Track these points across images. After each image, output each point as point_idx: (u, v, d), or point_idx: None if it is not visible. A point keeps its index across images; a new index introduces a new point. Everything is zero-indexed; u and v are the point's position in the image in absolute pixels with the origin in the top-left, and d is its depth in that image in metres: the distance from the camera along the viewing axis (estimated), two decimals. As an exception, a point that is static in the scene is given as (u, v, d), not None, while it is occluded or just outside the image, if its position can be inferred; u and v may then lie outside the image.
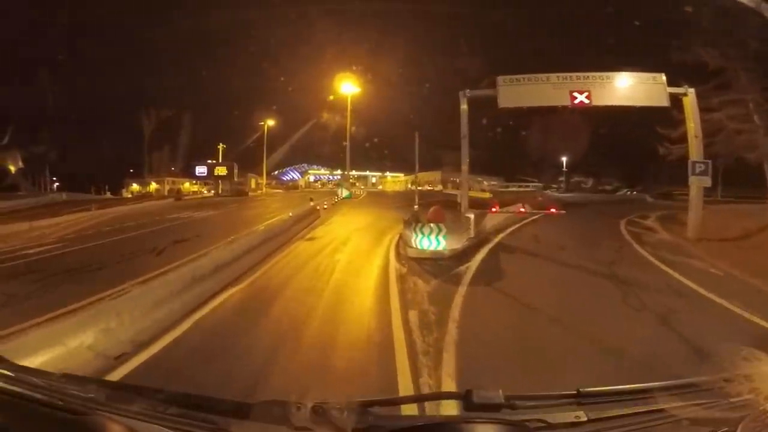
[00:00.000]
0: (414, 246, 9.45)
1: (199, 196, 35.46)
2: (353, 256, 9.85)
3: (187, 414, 1.12)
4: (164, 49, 40.85)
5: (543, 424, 1.09)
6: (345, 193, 31.79)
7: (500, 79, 13.07)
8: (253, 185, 38.81)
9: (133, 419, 1.09)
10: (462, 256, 9.51)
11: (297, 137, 43.19)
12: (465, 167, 12.62)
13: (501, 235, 12.54)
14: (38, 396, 1.19)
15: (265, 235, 10.56)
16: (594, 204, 23.72)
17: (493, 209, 12.28)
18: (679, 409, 1.12)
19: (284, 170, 59.97)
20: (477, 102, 13.43)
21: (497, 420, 1.08)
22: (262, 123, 41.81)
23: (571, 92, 12.68)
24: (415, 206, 13.07)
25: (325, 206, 21.14)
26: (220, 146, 36.50)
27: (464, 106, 13.04)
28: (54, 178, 45.96)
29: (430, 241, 9.30)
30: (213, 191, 35.71)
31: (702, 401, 1.14)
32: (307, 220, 15.33)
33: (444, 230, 9.36)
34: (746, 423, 1.00)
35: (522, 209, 13.04)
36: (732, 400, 1.13)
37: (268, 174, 52.36)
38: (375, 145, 51.58)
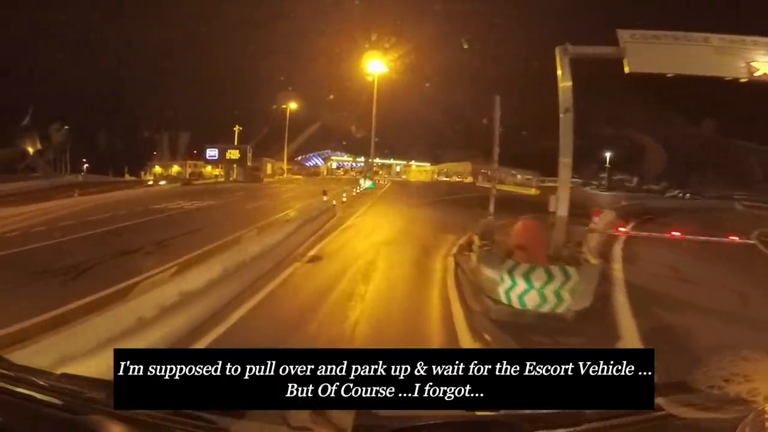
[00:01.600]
0: (505, 300, 4.69)
1: (212, 181, 31.21)
2: (384, 309, 5.12)
3: (186, 414, 1.05)
4: (189, 27, 36.77)
5: (543, 424, 1.06)
6: (368, 183, 27.06)
7: (625, 33, 7.91)
8: (269, 170, 34.35)
9: (133, 419, 1.06)
10: (596, 321, 4.68)
11: (320, 123, 38.54)
12: (567, 161, 7.45)
13: (617, 266, 7.52)
14: (38, 396, 1.16)
15: (248, 250, 6.07)
16: (672, 211, 17.66)
17: (621, 228, 7.26)
18: (679, 409, 1.08)
19: (308, 156, 55.71)
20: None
21: (498, 420, 1.08)
22: (285, 106, 37.40)
23: (748, 62, 7.64)
24: (490, 216, 7.98)
25: (344, 199, 16.50)
26: (236, 128, 31.95)
27: (565, 74, 7.96)
28: (84, 160, 44.48)
29: (543, 297, 4.50)
30: (224, 176, 31.38)
31: (702, 401, 1.11)
32: (318, 221, 10.68)
33: (574, 279, 4.52)
34: (746, 423, 0.98)
35: (676, 232, 7.90)
36: (732, 400, 1.10)
37: (292, 159, 48.30)
38: (401, 132, 46.63)
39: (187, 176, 39.78)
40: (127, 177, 41.65)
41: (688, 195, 42.93)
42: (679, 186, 45.62)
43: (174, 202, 17.18)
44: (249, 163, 30.61)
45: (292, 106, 36.79)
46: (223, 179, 30.88)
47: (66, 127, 40.40)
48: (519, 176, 49.23)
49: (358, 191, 22.77)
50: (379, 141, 32.82)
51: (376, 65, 29.35)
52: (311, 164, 55.45)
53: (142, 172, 44.00)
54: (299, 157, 53.32)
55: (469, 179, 46.39)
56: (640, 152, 46.26)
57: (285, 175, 38.37)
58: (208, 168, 40.36)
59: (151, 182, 31.73)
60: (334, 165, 53.21)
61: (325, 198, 12.27)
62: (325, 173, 47.85)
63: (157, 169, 45.30)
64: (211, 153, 31.81)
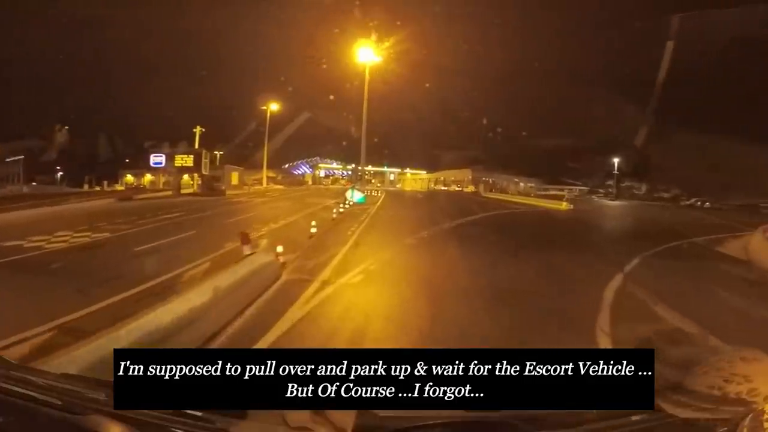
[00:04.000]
0: None
1: (165, 194, 24.27)
2: None
3: (186, 414, 1.02)
4: (165, 20, 30.43)
5: (543, 424, 1.03)
6: (357, 196, 20.83)
7: None
8: (234, 180, 27.64)
9: (132, 419, 1.01)
10: None
11: (308, 115, 32.22)
12: None
13: None
14: (38, 396, 1.11)
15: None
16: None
17: None
18: (679, 409, 1.04)
19: (296, 163, 49.43)
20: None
21: (497, 420, 1.04)
22: (264, 107, 31.13)
23: None
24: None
25: (313, 230, 10.25)
26: (197, 129, 25.10)
27: None
28: (58, 167, 39.19)
29: None
30: (173, 189, 24.45)
31: (702, 401, 1.06)
32: (220, 311, 4.41)
33: None
34: (746, 423, 0.94)
35: None
36: (732, 400, 1.06)
37: (278, 167, 41.97)
38: (395, 133, 40.57)
39: (161, 185, 33.26)
40: (86, 188, 35.18)
41: (707, 204, 37.52)
42: (693, 194, 40.20)
43: (56, 233, 10.77)
44: (205, 171, 23.69)
45: (273, 107, 30.61)
46: (171, 192, 23.85)
47: (66, 127, 35.67)
48: (522, 184, 43.48)
49: (342, 209, 16.49)
50: (372, 143, 26.67)
51: (367, 54, 23.24)
52: (299, 172, 49.19)
53: (105, 182, 37.47)
54: (286, 165, 47.11)
55: (470, 188, 40.36)
56: (645, 158, 41.10)
57: (264, 185, 31.92)
58: (186, 177, 33.80)
59: (89, 195, 24.99)
60: (322, 173, 46.93)
61: (246, 251, 5.56)
62: (310, 183, 41.37)
63: (129, 178, 38.85)
64: (156, 160, 24.64)
